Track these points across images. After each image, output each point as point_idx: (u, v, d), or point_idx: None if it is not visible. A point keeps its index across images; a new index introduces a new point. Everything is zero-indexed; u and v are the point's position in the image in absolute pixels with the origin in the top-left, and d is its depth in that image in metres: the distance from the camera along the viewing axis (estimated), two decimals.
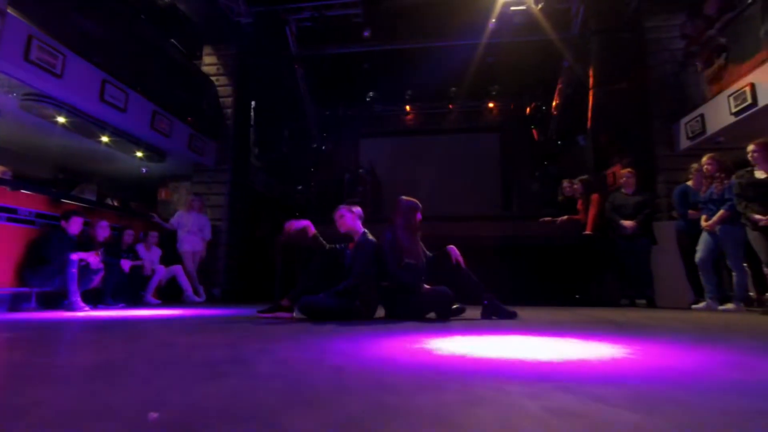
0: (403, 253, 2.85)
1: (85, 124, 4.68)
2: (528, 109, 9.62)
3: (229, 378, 1.01)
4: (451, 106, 10.41)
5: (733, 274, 4.12)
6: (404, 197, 3.09)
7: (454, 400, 0.82)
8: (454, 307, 2.96)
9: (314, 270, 3.09)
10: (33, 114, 4.40)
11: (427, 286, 2.86)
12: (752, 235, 3.79)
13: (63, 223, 4.31)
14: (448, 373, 1.10)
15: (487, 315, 2.92)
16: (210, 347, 1.56)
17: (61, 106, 4.33)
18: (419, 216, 3.01)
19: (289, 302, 3.06)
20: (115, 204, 6.43)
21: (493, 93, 9.87)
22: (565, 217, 5.42)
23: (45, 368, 1.19)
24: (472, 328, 2.20)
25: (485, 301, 2.95)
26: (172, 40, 6.25)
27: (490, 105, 10.29)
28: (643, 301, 4.87)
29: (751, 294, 4.85)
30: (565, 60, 7.41)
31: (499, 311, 2.90)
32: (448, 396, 0.85)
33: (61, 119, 4.59)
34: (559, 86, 7.97)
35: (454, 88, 9.87)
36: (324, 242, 3.12)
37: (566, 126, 7.96)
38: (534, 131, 9.20)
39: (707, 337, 1.98)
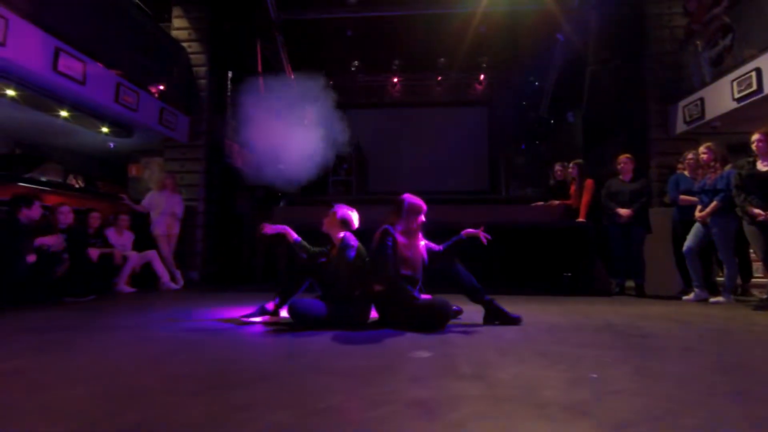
0: (400, 262, 2.62)
1: (39, 98, 4.17)
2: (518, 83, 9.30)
3: None
4: (439, 78, 9.99)
5: (724, 266, 4.09)
6: (408, 195, 2.82)
7: None
8: (453, 309, 2.79)
9: (299, 272, 2.87)
10: None
11: (425, 296, 2.66)
12: (748, 229, 3.72)
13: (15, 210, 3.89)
14: None
15: (489, 320, 2.77)
16: None
17: (8, 78, 3.81)
18: (422, 218, 2.78)
19: (274, 306, 2.85)
20: (80, 183, 5.93)
21: (483, 65, 9.48)
22: (557, 202, 5.28)
23: None
24: None
25: (487, 306, 2.79)
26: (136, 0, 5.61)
27: (480, 77, 9.92)
28: (632, 285, 4.84)
29: (738, 282, 4.90)
30: (560, 33, 7.08)
31: (501, 316, 2.76)
32: None
33: (10, 92, 4.06)
34: (553, 60, 7.66)
35: (443, 59, 9.44)
36: (306, 247, 2.89)
37: (559, 103, 7.72)
38: (525, 107, 8.94)
39: None
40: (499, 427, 1.16)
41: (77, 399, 1.37)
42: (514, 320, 2.73)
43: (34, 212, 3.85)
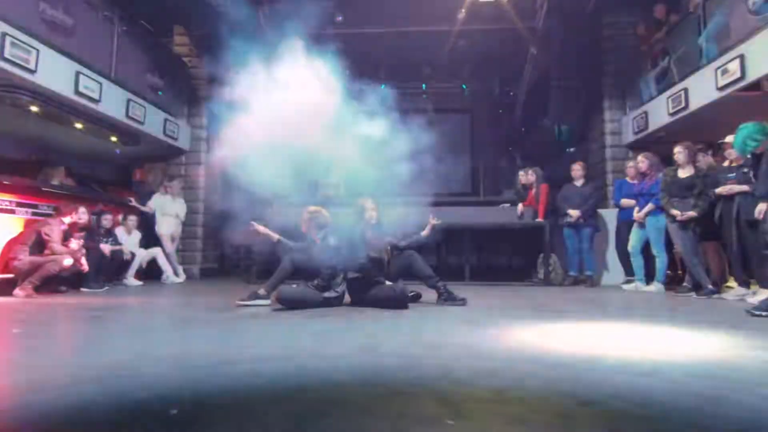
0: (369, 248, 3.27)
1: (60, 114, 4.75)
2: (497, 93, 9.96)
3: None
4: (424, 87, 10.62)
5: (656, 259, 4.73)
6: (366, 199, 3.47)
7: None
8: (411, 294, 3.42)
9: (286, 264, 3.47)
10: (6, 104, 4.44)
11: (389, 282, 3.29)
12: (671, 227, 4.36)
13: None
14: None
15: (441, 302, 3.40)
16: None
17: (36, 98, 4.39)
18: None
19: (266, 291, 3.45)
20: (95, 188, 6.49)
21: (465, 75, 10.12)
22: (520, 205, 5.90)
23: None
24: None
25: (440, 290, 3.43)
26: (142, 21, 6.18)
27: (462, 87, 10.56)
28: (583, 277, 5.47)
29: (679, 272, 5.56)
30: (531, 47, 7.72)
31: (450, 298, 3.39)
32: None
33: (34, 109, 4.64)
34: (525, 72, 8.30)
35: (427, 69, 10.07)
36: (288, 242, 3.51)
37: (531, 112, 8.37)
38: (502, 115, 9.60)
39: None
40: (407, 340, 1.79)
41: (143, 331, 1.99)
42: (460, 301, 3.37)
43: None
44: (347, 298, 3.47)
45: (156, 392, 1.28)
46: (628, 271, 5.12)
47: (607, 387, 1.33)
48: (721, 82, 4.29)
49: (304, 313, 2.97)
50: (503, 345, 1.97)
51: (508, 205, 6.27)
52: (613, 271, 5.48)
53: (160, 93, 6.25)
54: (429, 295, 3.52)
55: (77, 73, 4.49)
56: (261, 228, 3.53)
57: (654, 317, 2.89)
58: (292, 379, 1.45)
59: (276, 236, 3.53)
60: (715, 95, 4.41)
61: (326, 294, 3.27)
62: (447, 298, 3.39)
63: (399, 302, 3.23)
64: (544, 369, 1.56)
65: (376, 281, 3.31)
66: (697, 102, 4.76)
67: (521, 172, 6.11)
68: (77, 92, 4.47)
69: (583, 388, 1.31)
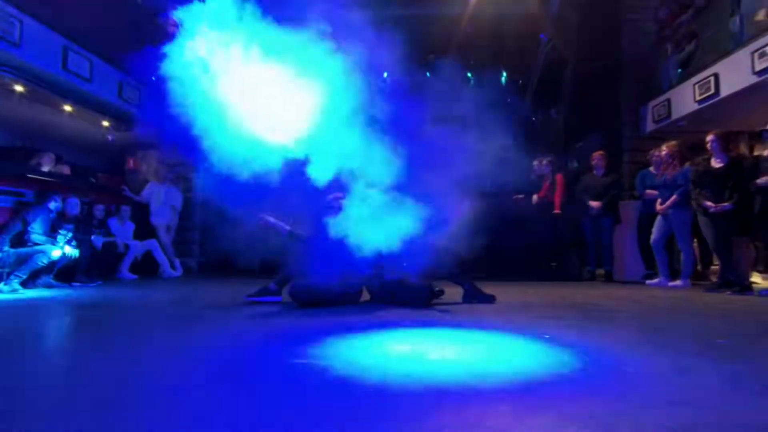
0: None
1: (48, 94, 4.39)
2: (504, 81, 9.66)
3: None
4: (429, 74, 10.28)
5: (681, 253, 4.50)
6: None
7: None
8: (436, 290, 3.14)
9: (297, 257, 3.17)
10: None
11: (411, 281, 3.01)
12: (702, 220, 4.12)
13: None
14: None
15: (467, 300, 3.13)
16: None
17: (20, 75, 4.03)
18: None
19: (276, 287, 3.16)
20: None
21: (471, 63, 9.80)
22: (535, 196, 5.63)
23: None
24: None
25: (466, 286, 3.15)
26: None
27: (468, 75, 10.24)
28: (602, 271, 5.25)
29: (698, 268, 5.35)
30: (543, 34, 7.42)
31: (478, 296, 3.12)
32: None
33: (19, 88, 4.28)
34: (536, 60, 8.01)
35: (431, 56, 9.74)
36: (300, 233, 3.19)
37: (541, 100, 8.08)
38: (510, 104, 9.29)
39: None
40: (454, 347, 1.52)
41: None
42: (489, 298, 3.10)
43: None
44: (365, 294, 3.19)
45: (169, 419, 1.00)
46: (650, 265, 4.90)
47: (720, 409, 1.07)
48: (759, 66, 4.04)
49: (321, 311, 2.69)
50: (567, 352, 1.70)
51: (522, 196, 6.00)
52: (633, 266, 5.25)
53: (153, 78, 5.88)
54: (451, 291, 3.25)
55: (65, 48, 4.12)
56: (272, 220, 3.21)
57: (707, 319, 2.64)
58: (335, 399, 1.17)
59: (286, 228, 3.22)
60: (751, 80, 4.15)
61: (343, 290, 2.99)
62: (474, 296, 3.13)
63: (423, 300, 2.95)
64: (632, 384, 1.29)
65: (396, 277, 3.03)
66: (729, 88, 4.50)
67: (535, 162, 5.85)
68: (65, 69, 4.11)
69: (694, 413, 1.05)
